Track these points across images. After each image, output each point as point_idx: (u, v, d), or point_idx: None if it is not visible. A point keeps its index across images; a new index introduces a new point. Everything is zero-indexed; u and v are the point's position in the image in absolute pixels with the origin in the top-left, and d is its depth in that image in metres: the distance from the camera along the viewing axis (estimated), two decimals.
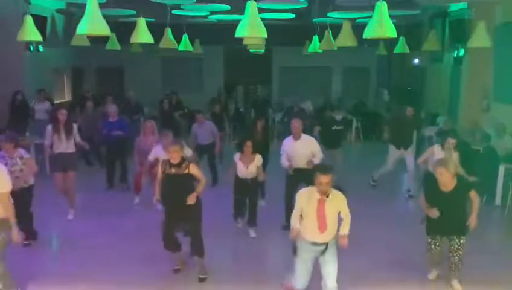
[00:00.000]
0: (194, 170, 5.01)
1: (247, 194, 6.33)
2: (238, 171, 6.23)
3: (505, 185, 7.48)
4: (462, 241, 4.79)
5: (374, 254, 5.80)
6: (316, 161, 6.24)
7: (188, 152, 5.84)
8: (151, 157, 6.32)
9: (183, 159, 5.00)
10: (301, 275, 4.19)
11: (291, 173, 6.23)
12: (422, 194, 4.94)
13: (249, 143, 6.09)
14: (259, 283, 5.02)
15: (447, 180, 4.58)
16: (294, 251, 4.23)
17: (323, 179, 3.94)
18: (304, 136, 6.40)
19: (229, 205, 6.63)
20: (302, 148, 6.29)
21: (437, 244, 4.95)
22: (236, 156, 6.21)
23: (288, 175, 6.36)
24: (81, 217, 6.94)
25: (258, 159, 6.19)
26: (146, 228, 6.36)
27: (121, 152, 8.23)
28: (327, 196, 4.01)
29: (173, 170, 4.94)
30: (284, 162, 6.29)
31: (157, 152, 6.24)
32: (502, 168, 7.53)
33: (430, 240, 4.96)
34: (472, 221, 4.77)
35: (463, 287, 4.93)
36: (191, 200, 4.90)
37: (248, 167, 6.15)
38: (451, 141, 6.36)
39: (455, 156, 6.36)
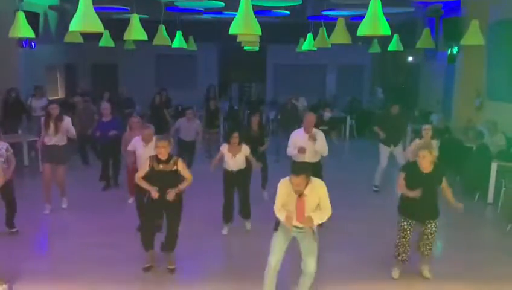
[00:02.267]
0: (181, 166, 4.99)
1: (236, 186, 6.31)
2: (226, 163, 6.20)
3: (498, 183, 7.52)
4: (436, 223, 4.93)
5: (359, 249, 5.84)
6: (324, 153, 6.28)
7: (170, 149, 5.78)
8: (130, 147, 6.25)
9: (170, 155, 4.98)
10: (276, 250, 4.25)
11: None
12: (401, 176, 5.00)
13: (235, 134, 6.09)
14: (257, 283, 5.01)
15: (427, 163, 4.76)
16: (276, 227, 4.29)
17: (295, 180, 3.96)
18: (315, 130, 6.38)
19: (214, 202, 6.61)
20: (311, 143, 6.27)
21: (411, 229, 4.98)
22: (224, 147, 6.19)
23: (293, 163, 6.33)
24: (75, 214, 6.94)
25: (245, 149, 6.18)
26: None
27: (114, 151, 8.18)
28: (302, 194, 4.03)
29: (161, 166, 4.90)
30: (292, 151, 6.21)
31: (136, 143, 6.17)
32: (494, 166, 7.58)
33: (404, 223, 4.97)
34: (456, 205, 4.89)
35: (432, 276, 5.02)
36: (170, 196, 4.85)
37: (235, 157, 6.13)
38: (427, 127, 6.76)
39: (434, 142, 6.70)
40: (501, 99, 9.51)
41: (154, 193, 4.87)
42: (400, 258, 5.05)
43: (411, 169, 4.93)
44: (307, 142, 6.23)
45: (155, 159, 4.94)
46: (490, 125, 8.54)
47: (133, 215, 6.04)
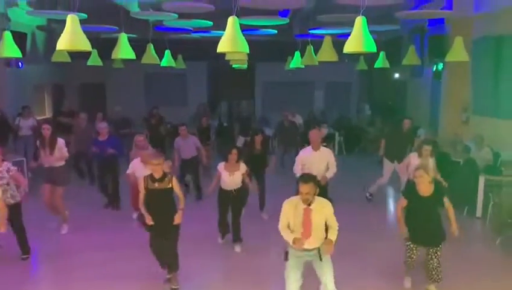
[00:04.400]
0: (176, 183, 4.97)
1: (231, 205, 6.26)
2: (223, 181, 6.15)
3: (485, 196, 7.58)
4: (440, 245, 4.90)
5: (361, 262, 5.83)
6: (330, 174, 6.26)
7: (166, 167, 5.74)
8: (129, 170, 6.22)
9: (165, 173, 4.94)
10: (292, 282, 4.20)
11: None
12: (399, 204, 5.02)
13: (234, 151, 6.03)
14: None
15: (425, 185, 4.73)
16: (286, 257, 4.23)
17: (303, 188, 3.99)
18: (322, 148, 6.37)
19: (213, 219, 6.57)
20: (320, 160, 6.26)
21: (417, 248, 5.00)
22: (221, 166, 6.12)
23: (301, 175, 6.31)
24: (74, 232, 6.89)
25: (243, 167, 6.13)
26: (141, 244, 6.23)
27: (112, 170, 8.08)
28: (309, 204, 4.03)
29: (156, 185, 4.87)
30: (298, 170, 6.18)
31: (135, 165, 6.14)
32: (481, 180, 7.64)
33: (409, 243, 4.99)
34: (454, 229, 4.88)
35: None
36: (178, 220, 4.89)
37: (233, 175, 6.07)
38: (427, 148, 6.73)
39: (431, 161, 6.71)
40: (486, 114, 9.65)
41: (148, 221, 4.90)
42: (408, 274, 5.14)
43: (411, 193, 4.88)
44: (314, 158, 6.21)
45: (149, 178, 4.90)
46: (477, 140, 8.65)
47: (135, 232, 6.00)
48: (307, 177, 4.08)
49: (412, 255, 5.02)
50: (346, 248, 6.34)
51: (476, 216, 7.73)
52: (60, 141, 6.79)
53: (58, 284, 5.39)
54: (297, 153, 10.56)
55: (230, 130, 14.19)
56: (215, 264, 5.98)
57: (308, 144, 6.60)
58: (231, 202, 6.24)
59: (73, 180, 7.70)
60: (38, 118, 12.00)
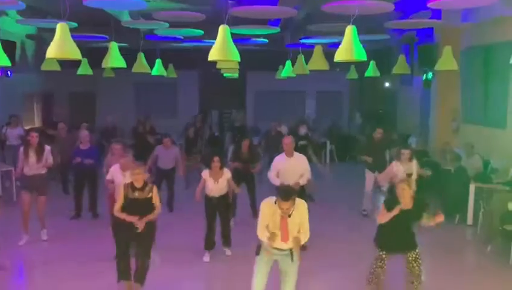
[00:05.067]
0: (155, 194, 4.93)
1: (218, 212, 6.26)
2: (208, 189, 6.15)
3: (476, 204, 7.61)
4: (417, 251, 4.88)
5: (342, 270, 5.81)
6: (303, 181, 6.27)
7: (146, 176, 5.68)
8: (108, 176, 6.14)
9: (146, 183, 4.90)
10: (259, 274, 4.22)
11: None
12: (382, 209, 4.94)
13: (216, 158, 6.06)
14: None
15: (407, 198, 4.73)
16: (258, 251, 4.24)
17: (284, 205, 3.97)
18: (296, 154, 6.39)
19: (195, 231, 6.53)
20: (294, 166, 6.28)
21: (387, 258, 4.94)
22: (205, 173, 6.14)
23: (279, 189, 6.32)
24: (54, 244, 6.76)
25: (227, 172, 6.16)
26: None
27: (90, 181, 8.03)
28: (289, 216, 4.05)
29: (136, 194, 4.81)
30: (274, 179, 6.20)
31: (114, 172, 6.07)
32: (472, 188, 7.68)
33: (382, 253, 4.93)
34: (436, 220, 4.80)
35: None
36: (141, 226, 4.75)
37: (218, 182, 6.09)
38: (404, 152, 6.81)
39: (413, 164, 6.78)
40: (476, 123, 9.75)
41: (138, 224, 4.75)
42: (371, 284, 5.04)
43: (392, 204, 4.86)
44: (288, 165, 6.24)
45: (130, 186, 4.85)
46: (467, 148, 8.71)
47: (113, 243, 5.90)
48: (286, 195, 4.00)
49: (382, 265, 4.93)
50: (336, 257, 6.34)
51: (467, 224, 7.76)
52: (47, 149, 6.74)
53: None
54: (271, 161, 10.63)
55: (222, 140, 14.16)
56: (196, 274, 5.91)
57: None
58: (218, 209, 6.25)
59: (51, 190, 7.51)
60: (27, 127, 11.90)
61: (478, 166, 8.31)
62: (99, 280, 5.53)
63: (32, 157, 6.56)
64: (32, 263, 6.22)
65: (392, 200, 4.96)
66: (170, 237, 6.87)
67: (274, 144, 11.35)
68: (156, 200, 4.93)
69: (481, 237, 7.11)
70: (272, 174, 6.30)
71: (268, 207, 4.12)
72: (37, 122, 13.81)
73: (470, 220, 7.76)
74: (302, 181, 6.30)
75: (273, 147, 11.31)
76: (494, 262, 6.27)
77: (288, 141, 6.39)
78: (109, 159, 6.92)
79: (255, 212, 7.66)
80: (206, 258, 6.23)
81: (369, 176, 8.28)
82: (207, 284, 5.80)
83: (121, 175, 5.89)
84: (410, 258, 4.89)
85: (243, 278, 5.47)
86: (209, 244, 6.28)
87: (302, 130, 9.01)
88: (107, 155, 7.10)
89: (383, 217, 4.89)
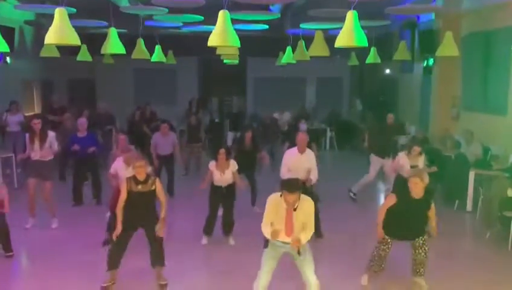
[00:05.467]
0: (159, 186, 4.93)
1: (222, 201, 6.31)
2: (214, 179, 6.21)
3: (475, 191, 7.64)
4: (425, 237, 4.96)
5: (352, 261, 5.81)
6: (314, 177, 6.23)
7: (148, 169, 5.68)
8: (112, 171, 6.15)
9: (148, 175, 4.90)
10: (266, 270, 4.24)
11: None
12: (386, 203, 5.00)
13: (221, 151, 6.10)
14: None
15: (419, 190, 4.78)
16: (266, 244, 4.26)
17: (289, 197, 3.97)
18: (308, 150, 6.35)
19: (195, 217, 6.55)
20: (305, 162, 6.25)
21: (391, 243, 5.00)
22: (212, 165, 6.19)
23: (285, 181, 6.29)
24: (57, 231, 6.81)
25: (233, 165, 6.20)
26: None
27: (92, 168, 8.02)
28: (294, 209, 4.05)
29: (139, 187, 4.81)
30: (285, 172, 6.13)
31: (117, 166, 6.07)
32: (472, 174, 7.70)
33: (387, 238, 4.97)
34: (433, 229, 4.97)
35: (427, 284, 5.02)
36: (160, 232, 4.85)
37: (224, 173, 6.14)
38: (416, 149, 6.85)
39: (422, 158, 6.86)
40: (476, 110, 9.73)
41: (159, 232, 4.86)
42: (372, 269, 5.11)
43: (403, 196, 4.90)
44: (299, 161, 6.21)
45: (133, 180, 4.84)
46: (467, 135, 8.71)
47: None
48: (292, 187, 4.00)
49: (387, 249, 4.98)
50: (337, 248, 6.38)
51: (466, 210, 7.79)
52: (51, 135, 6.76)
53: (46, 280, 5.30)
54: (272, 149, 10.64)
55: (222, 127, 14.15)
56: (203, 262, 5.96)
57: (291, 143, 6.60)
58: (222, 198, 6.28)
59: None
60: (27, 114, 11.88)
61: (478, 153, 8.32)
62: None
63: (36, 143, 6.60)
64: (36, 249, 6.25)
65: (402, 189, 5.01)
66: (171, 223, 6.90)
67: (269, 130, 11.46)
68: (160, 194, 4.94)
69: (480, 224, 7.15)
70: (284, 170, 6.21)
71: (274, 202, 4.13)
72: (37, 109, 13.78)
73: (469, 207, 7.80)
74: (314, 177, 6.23)
75: (267, 134, 11.42)
76: (492, 248, 6.31)
77: (303, 137, 6.31)
78: (115, 151, 6.93)
79: (254, 200, 7.68)
80: (204, 241, 6.31)
81: (375, 163, 8.22)
82: (208, 272, 5.82)
83: (124, 170, 5.90)
84: (417, 244, 4.95)
85: (243, 267, 5.54)
86: (209, 230, 6.33)
87: (302, 127, 8.97)
88: (113, 147, 7.11)
89: (383, 211, 4.95)
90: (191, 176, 9.99)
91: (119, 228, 4.81)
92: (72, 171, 8.38)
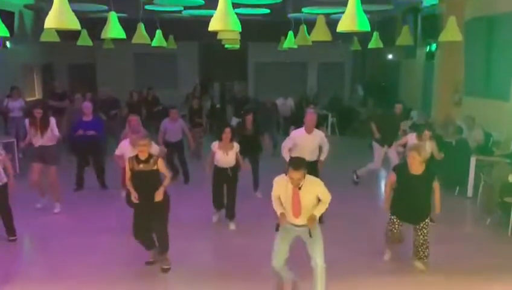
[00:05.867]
0: (162, 165, 4.96)
1: (226, 183, 6.30)
2: (217, 160, 6.17)
3: (476, 176, 7.64)
4: (426, 221, 5.04)
5: (353, 244, 5.87)
6: (324, 156, 6.36)
7: (155, 149, 5.68)
8: (118, 152, 6.15)
9: (150, 155, 4.93)
10: (279, 253, 4.27)
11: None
12: (389, 180, 5.15)
13: (227, 130, 6.05)
14: (247, 282, 4.94)
15: (417, 165, 4.85)
16: (277, 227, 4.30)
17: (294, 175, 3.99)
18: (315, 130, 6.36)
19: (205, 202, 6.56)
20: (312, 142, 6.28)
21: (400, 223, 5.10)
22: (215, 145, 6.14)
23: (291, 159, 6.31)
24: (63, 215, 6.86)
25: (236, 145, 6.18)
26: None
27: (95, 153, 8.03)
28: (299, 188, 4.07)
29: (141, 166, 4.85)
30: (286, 154, 6.15)
31: (123, 147, 6.07)
32: (473, 160, 7.69)
33: (393, 217, 5.09)
34: (436, 208, 5.05)
35: (427, 268, 5.10)
36: (158, 197, 4.86)
37: (228, 154, 6.10)
38: (427, 134, 6.81)
39: (432, 144, 6.82)
40: (478, 95, 9.67)
41: (134, 199, 4.89)
42: (389, 243, 5.29)
43: (402, 170, 5.00)
44: (306, 141, 6.23)
45: (135, 159, 4.88)
46: (468, 121, 8.68)
47: (122, 216, 5.97)
48: (298, 164, 4.04)
49: (394, 229, 5.10)
50: (340, 229, 6.41)
51: (467, 196, 7.81)
52: (52, 121, 6.76)
53: (49, 264, 5.36)
54: (273, 134, 10.61)
55: (223, 112, 14.11)
56: (207, 246, 5.99)
57: (297, 125, 6.59)
58: (226, 180, 6.27)
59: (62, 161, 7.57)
60: (28, 99, 11.86)
61: (480, 139, 8.30)
62: (109, 253, 5.64)
63: (38, 131, 6.61)
64: (39, 233, 6.29)
65: (401, 166, 5.12)
66: (178, 208, 6.94)
67: (269, 115, 11.40)
68: (163, 170, 4.97)
69: (481, 210, 7.17)
70: (286, 146, 6.23)
71: (279, 183, 4.16)
72: (38, 94, 13.75)
73: (469, 193, 7.81)
74: (323, 157, 6.34)
75: (267, 119, 11.36)
76: (493, 234, 6.33)
77: (311, 117, 6.29)
78: (126, 132, 6.91)
79: (256, 185, 7.70)
80: (215, 218, 6.38)
81: (379, 152, 8.21)
82: (218, 255, 5.87)
83: (130, 151, 5.90)
84: (418, 227, 5.04)
85: (246, 252, 5.58)
86: (219, 204, 6.38)
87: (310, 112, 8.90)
88: (125, 128, 7.09)
89: (387, 189, 5.10)
90: (196, 162, 10.00)
91: (134, 194, 4.87)
92: (76, 156, 8.38)
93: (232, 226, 6.40)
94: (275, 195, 4.23)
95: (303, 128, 6.34)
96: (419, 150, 4.89)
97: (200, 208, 6.95)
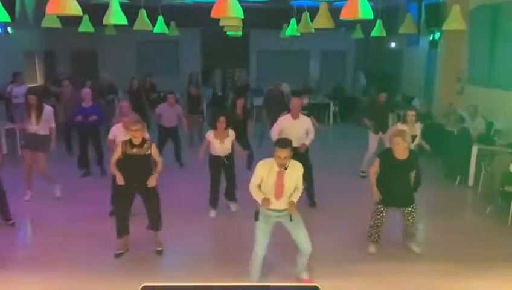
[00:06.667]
0: (154, 150, 5.00)
1: (224, 170, 6.34)
2: (213, 148, 6.19)
3: (478, 166, 7.65)
4: (413, 205, 5.13)
5: (346, 230, 5.90)
6: (308, 141, 6.36)
7: (146, 135, 5.69)
8: (110, 136, 6.17)
9: (144, 140, 4.95)
10: (261, 240, 4.30)
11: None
12: (376, 162, 5.16)
13: (222, 118, 6.06)
14: (243, 264, 5.01)
15: (401, 150, 4.92)
16: (256, 217, 4.32)
17: (281, 153, 4.06)
18: (302, 116, 6.40)
19: (200, 187, 6.61)
20: (298, 128, 6.32)
21: (386, 211, 5.15)
22: (209, 134, 6.15)
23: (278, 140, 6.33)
24: (57, 202, 6.87)
25: (232, 133, 6.20)
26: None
27: (94, 137, 8.06)
28: (285, 168, 4.12)
29: (134, 150, 4.88)
30: (274, 136, 6.14)
31: (116, 131, 6.08)
32: (474, 149, 7.69)
33: (380, 206, 5.12)
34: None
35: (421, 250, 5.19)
36: (152, 182, 4.89)
37: (223, 142, 6.12)
38: (410, 114, 6.81)
39: (418, 126, 6.83)
40: (481, 84, 9.63)
41: (119, 180, 4.92)
42: (371, 239, 5.26)
43: (386, 155, 5.08)
44: (292, 126, 6.25)
45: (129, 143, 4.91)
46: (471, 110, 8.66)
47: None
48: (284, 143, 4.13)
49: (381, 218, 5.13)
50: (336, 216, 6.45)
51: (467, 185, 7.82)
52: (48, 110, 6.73)
53: (42, 248, 5.41)
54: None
55: (225, 100, 14.05)
56: (201, 228, 6.05)
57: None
58: (223, 167, 6.30)
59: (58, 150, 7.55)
60: (30, 85, 11.85)
61: (481, 128, 8.29)
62: (103, 238, 5.66)
63: (32, 117, 6.60)
64: (38, 219, 6.34)
65: (385, 152, 5.19)
66: (176, 193, 7.00)
67: (277, 103, 11.28)
68: (156, 156, 5.02)
69: (481, 199, 7.19)
70: (274, 133, 6.28)
71: (263, 165, 4.21)
72: (40, 80, 13.74)
73: (471, 182, 7.82)
74: (307, 141, 6.36)
75: (276, 107, 11.25)
76: (493, 223, 6.35)
77: (296, 102, 6.35)
78: (116, 118, 6.93)
79: (250, 164, 7.67)
80: (212, 214, 6.38)
81: (373, 138, 8.28)
82: (213, 239, 5.92)
83: (123, 134, 5.91)
84: (406, 212, 5.13)
85: (247, 233, 5.62)
86: (214, 202, 6.39)
87: (304, 101, 8.90)
88: (115, 114, 7.11)
89: (372, 174, 5.15)
90: (195, 148, 10.02)
91: (119, 178, 4.89)
92: (78, 142, 8.38)
93: (233, 207, 6.46)
94: (254, 183, 4.24)
95: (289, 114, 6.35)
96: (403, 135, 4.94)
97: (195, 192, 6.97)
